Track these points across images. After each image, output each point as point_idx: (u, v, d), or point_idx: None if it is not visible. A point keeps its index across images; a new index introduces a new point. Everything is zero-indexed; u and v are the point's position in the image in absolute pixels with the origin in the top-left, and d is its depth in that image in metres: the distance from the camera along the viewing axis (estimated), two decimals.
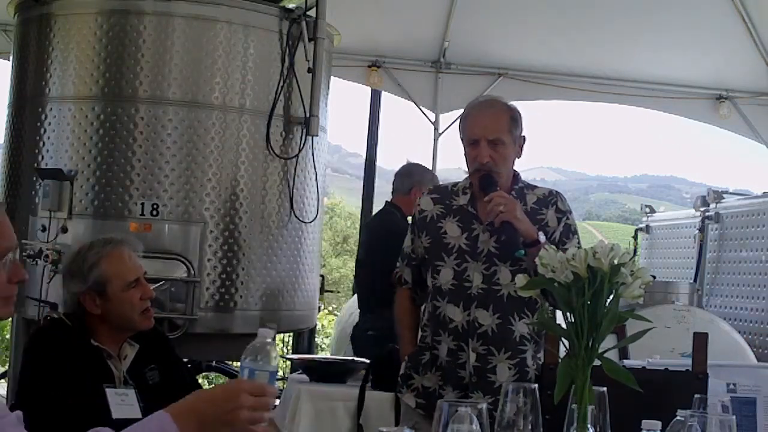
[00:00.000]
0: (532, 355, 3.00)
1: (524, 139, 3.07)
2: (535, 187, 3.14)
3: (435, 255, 3.04)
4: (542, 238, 2.90)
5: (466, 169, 3.16)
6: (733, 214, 6.35)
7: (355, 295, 5.62)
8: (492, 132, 2.97)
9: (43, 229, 4.53)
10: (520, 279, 1.98)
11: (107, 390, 2.64)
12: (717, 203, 6.52)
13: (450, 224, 3.04)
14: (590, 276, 1.84)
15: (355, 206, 21.25)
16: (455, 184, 3.16)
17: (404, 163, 5.42)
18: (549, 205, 3.06)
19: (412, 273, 3.20)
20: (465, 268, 2.98)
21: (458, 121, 3.19)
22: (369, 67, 7.02)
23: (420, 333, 3.13)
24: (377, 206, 6.04)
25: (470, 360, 2.95)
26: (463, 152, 3.10)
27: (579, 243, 3.03)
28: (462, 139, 3.08)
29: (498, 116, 3.01)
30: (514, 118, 3.03)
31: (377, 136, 7.62)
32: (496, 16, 6.81)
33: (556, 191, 3.14)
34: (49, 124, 4.70)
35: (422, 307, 3.18)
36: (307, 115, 4.81)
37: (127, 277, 2.75)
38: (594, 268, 1.83)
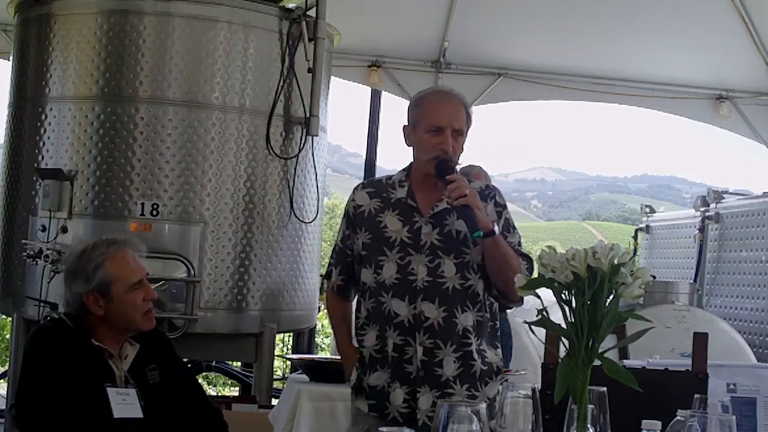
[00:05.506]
0: (476, 348, 2.94)
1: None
2: (471, 181, 3.08)
3: (376, 250, 2.97)
4: (497, 229, 2.88)
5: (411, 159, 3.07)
6: (733, 214, 6.35)
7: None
8: (458, 122, 2.95)
9: (43, 229, 4.53)
10: (520, 279, 1.97)
11: (108, 389, 2.64)
12: (717, 203, 6.53)
13: (390, 218, 2.99)
14: (590, 276, 1.83)
15: None
16: (389, 177, 3.10)
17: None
18: (488, 198, 3.02)
19: (345, 270, 3.12)
20: (408, 261, 2.93)
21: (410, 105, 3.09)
22: (369, 67, 7.02)
23: (356, 332, 3.06)
24: None
25: (418, 354, 2.90)
26: (405, 137, 3.04)
27: (520, 238, 3.02)
28: (414, 124, 3.01)
29: (461, 108, 3.00)
30: (468, 114, 3.02)
31: (377, 136, 7.61)
32: (496, 16, 6.80)
33: (493, 185, 3.11)
34: (49, 124, 4.70)
35: (357, 305, 3.09)
36: (307, 115, 4.81)
37: (131, 279, 2.75)
38: (594, 268, 1.83)
